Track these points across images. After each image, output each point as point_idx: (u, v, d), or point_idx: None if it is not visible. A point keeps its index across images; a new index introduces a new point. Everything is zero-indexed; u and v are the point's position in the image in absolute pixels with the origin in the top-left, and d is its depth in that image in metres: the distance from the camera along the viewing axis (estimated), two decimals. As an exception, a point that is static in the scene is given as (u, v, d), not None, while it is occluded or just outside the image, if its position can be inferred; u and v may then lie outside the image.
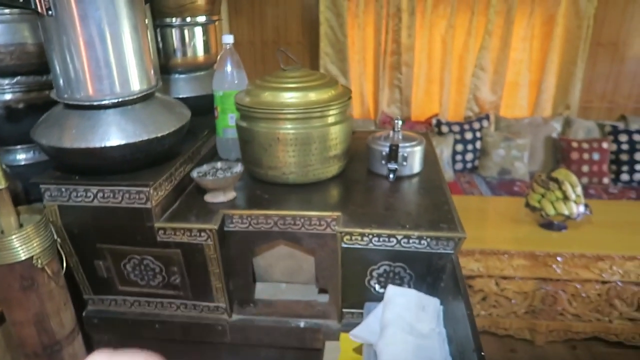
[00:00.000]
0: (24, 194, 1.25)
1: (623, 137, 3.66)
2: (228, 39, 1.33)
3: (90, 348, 1.25)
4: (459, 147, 3.69)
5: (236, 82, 1.33)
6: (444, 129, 3.70)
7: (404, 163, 1.25)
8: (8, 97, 1.32)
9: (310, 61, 3.90)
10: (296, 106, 1.14)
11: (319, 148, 1.17)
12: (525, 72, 3.83)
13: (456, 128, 3.70)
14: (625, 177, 3.63)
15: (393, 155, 1.15)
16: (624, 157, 3.64)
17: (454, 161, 3.70)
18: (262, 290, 1.22)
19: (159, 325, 1.21)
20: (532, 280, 2.03)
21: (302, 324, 1.17)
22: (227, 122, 1.34)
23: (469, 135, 3.70)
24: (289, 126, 1.15)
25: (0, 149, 1.36)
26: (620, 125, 3.78)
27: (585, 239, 2.02)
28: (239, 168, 1.16)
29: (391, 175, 1.14)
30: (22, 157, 1.40)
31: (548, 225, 2.10)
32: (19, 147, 1.39)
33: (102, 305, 1.24)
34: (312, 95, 1.16)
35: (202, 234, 1.06)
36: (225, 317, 1.18)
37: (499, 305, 2.12)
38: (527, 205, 2.09)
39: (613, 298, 2.05)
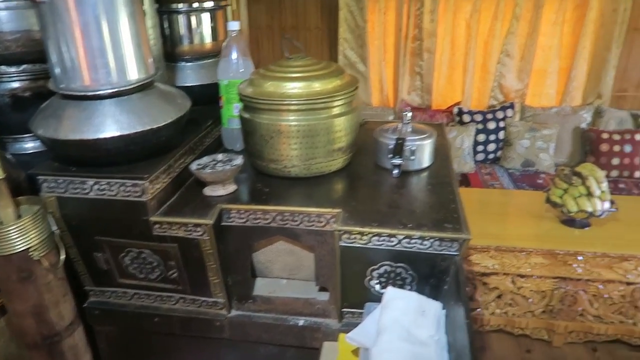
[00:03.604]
0: (28, 184, 1.25)
1: (658, 128, 3.49)
2: (234, 25, 1.29)
3: (92, 339, 1.24)
4: (481, 137, 3.58)
5: (242, 70, 1.29)
6: (466, 118, 3.59)
7: (412, 157, 1.19)
8: (15, 85, 1.31)
9: (329, 47, 3.82)
10: (299, 97, 1.09)
11: (323, 141, 1.13)
12: (554, 59, 3.67)
13: (478, 117, 3.58)
14: (658, 170, 3.46)
15: (398, 149, 1.09)
16: (658, 149, 3.47)
17: (475, 152, 3.58)
18: (261, 286, 1.19)
19: (158, 318, 1.20)
20: (550, 279, 1.95)
21: (301, 322, 1.14)
22: (232, 111, 1.31)
23: (491, 125, 3.58)
24: (292, 118, 1.11)
25: (6, 138, 1.36)
26: (656, 116, 3.60)
27: (610, 238, 1.92)
28: (238, 161, 1.13)
29: (395, 171, 1.09)
30: (29, 146, 1.40)
31: (570, 222, 2.00)
32: (26, 136, 1.38)
33: (102, 297, 1.24)
34: (317, 86, 1.12)
35: (198, 228, 1.03)
36: (223, 313, 1.16)
37: (515, 303, 2.05)
38: (549, 200, 2.00)
39: (638, 300, 1.96)
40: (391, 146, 1.17)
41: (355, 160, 1.27)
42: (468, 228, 0.95)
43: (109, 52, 1.00)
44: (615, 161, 3.44)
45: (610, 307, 2.00)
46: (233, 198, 1.10)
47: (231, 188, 1.12)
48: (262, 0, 3.75)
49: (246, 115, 1.16)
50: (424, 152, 1.21)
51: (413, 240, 0.96)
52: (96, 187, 1.03)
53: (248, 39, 3.78)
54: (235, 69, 1.29)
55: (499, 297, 2.04)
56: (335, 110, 1.13)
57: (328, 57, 3.86)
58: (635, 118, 3.64)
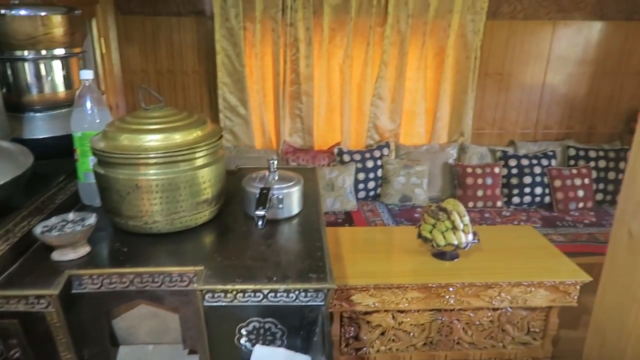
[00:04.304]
0: None
1: (512, 162, 3.90)
2: (86, 74, 1.21)
3: None
4: (361, 176, 3.74)
5: (97, 121, 1.21)
6: (346, 157, 3.74)
7: (280, 206, 1.18)
8: None
9: (208, 91, 3.79)
10: (157, 150, 1.04)
11: (186, 194, 1.08)
12: (421, 101, 3.98)
13: (357, 156, 3.75)
14: (516, 200, 3.85)
15: (262, 200, 1.08)
16: (514, 180, 3.87)
17: (357, 190, 3.73)
18: (125, 355, 1.09)
19: (0, 407, 1.03)
20: (427, 311, 2.04)
21: (169, 391, 1.05)
22: (88, 165, 1.21)
23: (370, 164, 3.76)
24: (151, 172, 1.05)
25: None
26: (510, 151, 4.03)
27: (475, 268, 2.07)
28: (91, 220, 1.04)
29: (260, 223, 1.07)
30: None
31: (440, 255, 2.13)
32: None
33: None
34: (177, 137, 1.07)
35: (41, 300, 0.92)
36: (79, 392, 1.03)
37: (398, 339, 2.11)
38: (420, 236, 2.12)
39: (504, 324, 2.12)
40: (257, 195, 1.15)
41: (225, 211, 1.23)
42: (333, 276, 0.95)
43: None
44: (480, 193, 3.77)
45: (482, 333, 2.14)
46: (86, 262, 1.00)
47: (83, 251, 1.02)
48: (135, 43, 3.63)
49: (100, 171, 1.08)
50: (291, 199, 1.21)
51: (279, 294, 0.93)
52: None
53: (121, 83, 3.62)
54: (90, 120, 1.20)
55: (382, 334, 2.09)
56: (198, 162, 1.10)
57: (207, 101, 3.82)
58: (493, 153, 4.04)
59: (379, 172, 3.80)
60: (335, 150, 3.79)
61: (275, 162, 1.23)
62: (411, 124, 4.05)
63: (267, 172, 1.25)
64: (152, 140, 1.05)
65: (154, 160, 1.04)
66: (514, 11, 3.87)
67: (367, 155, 3.78)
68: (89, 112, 1.21)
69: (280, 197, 1.18)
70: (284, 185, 1.20)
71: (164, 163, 1.05)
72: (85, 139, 1.19)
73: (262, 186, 1.16)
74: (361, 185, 3.75)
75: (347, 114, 3.88)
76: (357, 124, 3.98)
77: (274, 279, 0.94)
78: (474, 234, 2.09)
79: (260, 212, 1.05)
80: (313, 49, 3.64)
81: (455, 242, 2.01)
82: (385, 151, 3.87)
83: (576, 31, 3.99)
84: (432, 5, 3.66)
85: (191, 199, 1.09)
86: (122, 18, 3.58)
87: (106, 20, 3.39)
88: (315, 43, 3.65)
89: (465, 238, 2.03)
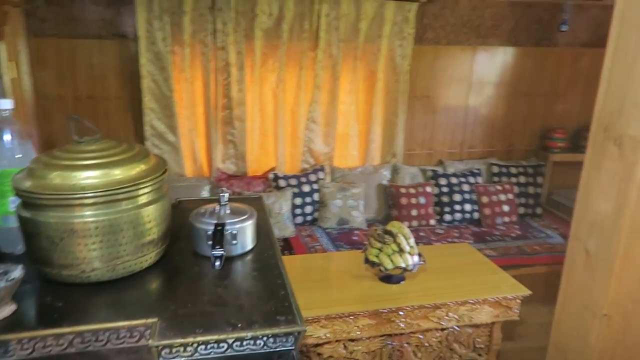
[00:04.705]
0: None
1: (443, 181, 4.02)
2: (6, 104, 1.08)
3: None
4: (298, 201, 3.68)
5: (19, 156, 1.07)
6: (282, 182, 3.67)
7: (234, 242, 1.10)
8: None
9: (133, 118, 3.58)
10: (95, 188, 0.93)
11: (129, 236, 0.97)
12: (353, 124, 4.02)
13: (293, 181, 3.69)
14: (448, 217, 3.97)
15: (218, 238, 0.99)
16: (445, 198, 3.99)
17: (294, 215, 3.66)
18: None
19: None
20: (378, 337, 2.01)
21: None
22: (7, 207, 1.07)
23: (306, 188, 3.72)
24: (88, 213, 0.93)
25: None
26: (439, 170, 4.17)
27: (422, 289, 2.08)
28: (17, 273, 0.89)
29: (217, 263, 0.98)
30: None
31: (387, 278, 2.12)
32: None
33: None
34: (117, 173, 0.96)
35: (-42, 375, 0.77)
36: None
37: (350, 368, 2.05)
38: (367, 261, 2.09)
39: (452, 343, 2.14)
40: (210, 232, 1.06)
41: (171, 251, 1.13)
42: (302, 318, 0.88)
43: None
44: (414, 212, 3.84)
45: (431, 355, 2.14)
46: (12, 323, 0.86)
47: (8, 310, 0.88)
48: (49, 66, 3.37)
49: (26, 214, 0.94)
50: (246, 234, 1.13)
51: (245, 343, 0.85)
52: None
53: (34, 111, 3.34)
54: (9, 156, 1.06)
55: (333, 365, 2.02)
56: (142, 199, 0.99)
57: (133, 128, 3.62)
58: (423, 172, 4.16)
59: (316, 196, 3.76)
60: (271, 176, 3.71)
61: (227, 195, 1.15)
62: (345, 147, 4.07)
63: (216, 206, 1.16)
64: (89, 177, 0.94)
65: (91, 200, 0.93)
66: (437, 37, 4.05)
67: (303, 179, 3.74)
68: (8, 146, 1.07)
69: (234, 232, 1.10)
70: (237, 220, 1.12)
71: (104, 203, 0.94)
72: (4, 178, 1.05)
73: (214, 222, 1.07)
74: (298, 210, 3.69)
75: (281, 139, 3.83)
76: (292, 148, 3.94)
77: (239, 325, 0.86)
78: (419, 255, 2.10)
79: (218, 252, 0.96)
80: (245, 73, 3.57)
81: (403, 265, 2.00)
82: (321, 174, 3.85)
83: (493, 56, 4.24)
84: (362, 31, 3.73)
85: (135, 240, 0.98)
86: (34, 40, 3.32)
87: (16, 43, 3.12)
88: (248, 67, 3.58)
89: (411, 260, 2.02)
